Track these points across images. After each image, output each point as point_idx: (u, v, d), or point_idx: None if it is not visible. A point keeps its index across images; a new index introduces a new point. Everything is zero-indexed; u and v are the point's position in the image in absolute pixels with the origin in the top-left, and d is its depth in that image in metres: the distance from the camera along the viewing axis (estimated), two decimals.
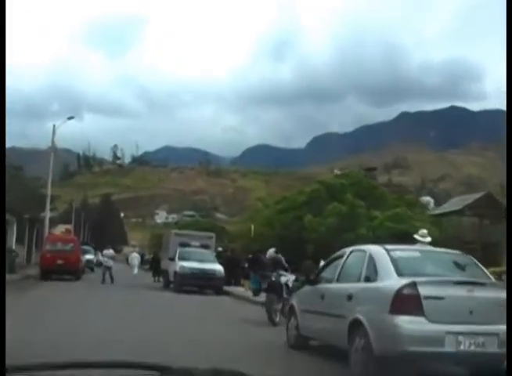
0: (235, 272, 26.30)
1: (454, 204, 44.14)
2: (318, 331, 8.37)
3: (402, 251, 7.55)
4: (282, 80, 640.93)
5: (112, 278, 26.91)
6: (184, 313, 15.29)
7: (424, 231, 12.74)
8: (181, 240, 26.59)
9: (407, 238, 30.74)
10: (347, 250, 8.36)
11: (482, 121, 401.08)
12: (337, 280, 7.99)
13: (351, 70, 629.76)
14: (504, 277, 15.73)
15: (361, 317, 6.68)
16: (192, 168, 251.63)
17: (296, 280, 14.22)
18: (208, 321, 13.57)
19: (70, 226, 76.27)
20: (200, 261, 23.54)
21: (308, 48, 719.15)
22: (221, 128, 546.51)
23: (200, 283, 23.01)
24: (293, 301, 9.60)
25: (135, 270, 38.60)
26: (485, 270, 7.75)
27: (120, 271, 44.34)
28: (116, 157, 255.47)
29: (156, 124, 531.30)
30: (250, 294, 21.03)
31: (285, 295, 12.94)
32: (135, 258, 40.61)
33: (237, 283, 26.44)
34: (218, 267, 23.59)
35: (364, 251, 7.75)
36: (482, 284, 6.79)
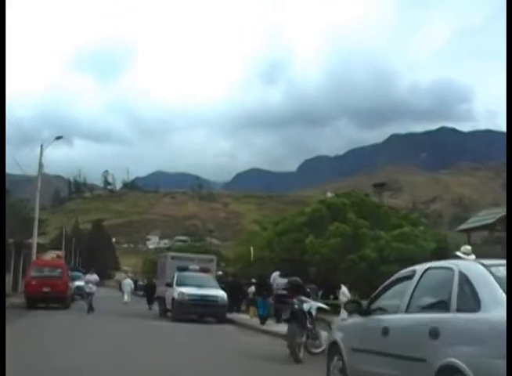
0: (237, 298, 24.59)
1: (483, 217, 38.53)
2: None
3: (504, 266, 5.52)
4: (273, 104, 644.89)
5: (91, 307, 23.96)
6: (185, 347, 13.39)
7: (468, 247, 11.75)
8: (178, 264, 24.31)
9: (414, 258, 30.28)
10: (418, 268, 6.27)
11: (472, 141, 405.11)
12: (407, 310, 5.95)
13: (341, 93, 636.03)
14: None
15: (458, 362, 4.80)
16: (184, 192, 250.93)
17: (319, 309, 12.29)
18: (215, 356, 11.61)
19: (60, 252, 75.32)
20: (201, 286, 21.64)
21: (299, 71, 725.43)
22: (212, 153, 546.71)
23: (200, 310, 21.19)
24: (336, 335, 7.46)
25: (126, 297, 37.48)
26: None
27: (112, 298, 42.84)
28: (107, 182, 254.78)
29: (147, 149, 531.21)
30: (256, 322, 19.63)
31: (309, 325, 11.30)
32: (127, 284, 39.66)
33: (239, 310, 24.92)
34: (221, 293, 21.70)
35: (450, 268, 5.67)
36: None
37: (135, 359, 10.22)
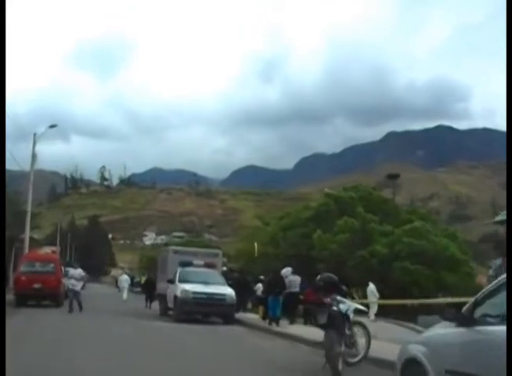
0: (244, 296, 22.46)
1: None
2: None
3: None
4: (270, 101, 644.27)
5: (80, 305, 21.63)
6: (192, 351, 11.55)
7: None
8: (181, 259, 22.13)
9: (427, 254, 28.95)
10: None
11: (469, 139, 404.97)
12: None
13: (338, 91, 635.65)
14: None
15: None
16: (181, 188, 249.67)
17: (358, 311, 10.31)
18: (230, 365, 9.79)
19: (55, 248, 74.03)
20: (206, 283, 19.60)
21: (296, 69, 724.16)
22: (209, 150, 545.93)
23: (206, 310, 19.18)
24: (416, 351, 5.60)
25: (125, 295, 35.86)
26: None
27: (109, 295, 41.45)
28: (104, 178, 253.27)
29: (144, 146, 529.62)
30: (266, 323, 17.80)
31: (347, 331, 9.44)
32: (124, 280, 38.23)
33: (245, 310, 23.04)
34: (229, 291, 19.61)
35: None
36: None
37: (137, 367, 8.68)
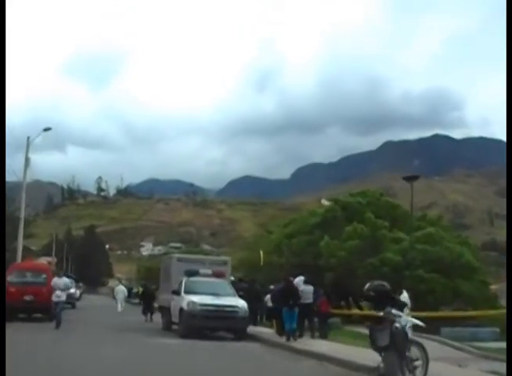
0: (256, 308, 20.68)
1: None
2: None
3: None
4: (265, 111, 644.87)
5: (59, 319, 18.70)
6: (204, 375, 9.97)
7: None
8: (186, 267, 20.03)
9: (442, 262, 28.09)
10: None
11: (465, 148, 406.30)
12: None
13: (334, 100, 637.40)
14: None
15: None
16: (178, 199, 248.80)
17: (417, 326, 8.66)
18: None
19: (52, 259, 73.24)
20: (215, 294, 17.86)
21: (291, 79, 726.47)
22: (205, 160, 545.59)
23: (216, 324, 17.27)
24: None
25: (120, 306, 35.08)
26: None
27: (105, 307, 39.77)
28: (100, 189, 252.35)
29: (140, 157, 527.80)
30: (283, 338, 15.91)
31: (407, 353, 7.75)
32: (120, 291, 37.57)
33: (256, 323, 21.09)
34: (241, 303, 17.80)
35: None
36: None
37: None
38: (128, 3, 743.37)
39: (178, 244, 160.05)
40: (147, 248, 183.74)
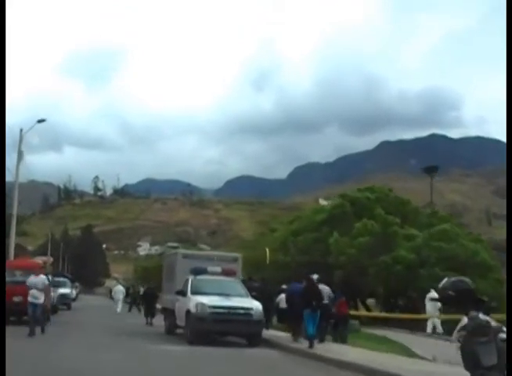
0: (269, 309, 18.87)
1: None
2: None
3: None
4: (263, 111, 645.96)
5: (43, 328, 16.48)
6: None
7: None
8: (192, 265, 18.03)
9: (457, 259, 27.20)
10: None
11: (462, 147, 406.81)
12: None
13: (331, 100, 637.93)
14: None
15: None
16: (175, 198, 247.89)
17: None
18: None
19: (47, 258, 72.28)
20: (226, 295, 16.13)
21: (289, 79, 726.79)
22: (202, 160, 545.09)
23: (227, 328, 15.52)
24: None
25: (119, 307, 34.26)
26: None
27: (103, 307, 39.10)
28: (97, 188, 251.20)
29: (137, 156, 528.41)
30: (305, 345, 14.24)
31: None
32: (119, 291, 36.67)
33: (268, 327, 19.07)
34: (255, 304, 16.04)
35: None
36: None
37: None
38: (126, 3, 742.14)
39: (175, 244, 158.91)
40: (144, 248, 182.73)
